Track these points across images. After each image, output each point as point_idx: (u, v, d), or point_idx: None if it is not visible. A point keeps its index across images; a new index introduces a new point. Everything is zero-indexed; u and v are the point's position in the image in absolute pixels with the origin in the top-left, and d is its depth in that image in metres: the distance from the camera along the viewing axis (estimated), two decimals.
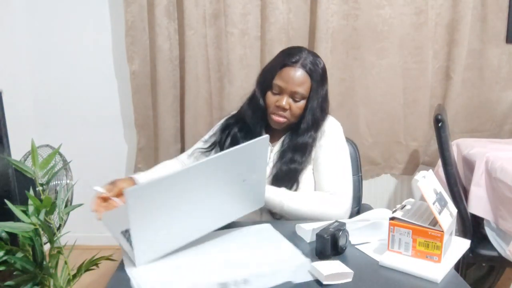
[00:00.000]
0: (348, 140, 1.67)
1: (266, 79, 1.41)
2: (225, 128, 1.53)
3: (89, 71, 2.53)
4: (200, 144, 1.60)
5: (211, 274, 0.99)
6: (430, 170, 1.14)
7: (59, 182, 1.66)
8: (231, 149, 1.07)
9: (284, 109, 1.37)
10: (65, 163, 1.68)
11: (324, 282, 0.96)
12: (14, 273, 1.33)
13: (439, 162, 1.87)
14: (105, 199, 1.25)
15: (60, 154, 1.68)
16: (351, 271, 0.98)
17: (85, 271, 1.44)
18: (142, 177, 1.40)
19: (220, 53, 2.36)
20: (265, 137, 1.13)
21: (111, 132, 2.60)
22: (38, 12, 2.47)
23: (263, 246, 1.15)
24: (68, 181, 1.70)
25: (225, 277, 0.97)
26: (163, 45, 2.32)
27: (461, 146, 2.04)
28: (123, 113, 2.58)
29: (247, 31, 2.33)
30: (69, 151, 1.77)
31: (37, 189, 1.42)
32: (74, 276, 1.44)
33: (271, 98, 1.39)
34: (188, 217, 1.08)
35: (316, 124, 1.40)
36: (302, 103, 1.38)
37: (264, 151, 1.17)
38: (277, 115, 1.39)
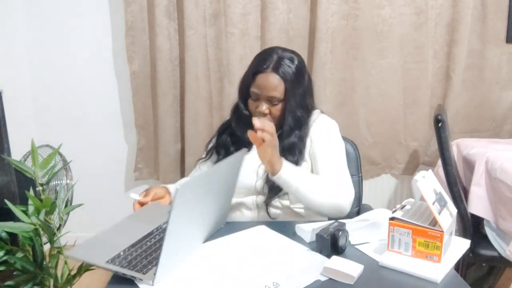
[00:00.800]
0: (348, 140, 1.67)
1: (244, 87, 1.42)
2: (219, 135, 1.54)
3: (89, 71, 2.53)
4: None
5: (239, 285, 0.97)
6: (430, 170, 1.14)
7: (59, 182, 1.66)
8: (229, 158, 1.16)
9: (264, 114, 1.38)
10: (65, 163, 1.68)
11: (322, 273, 0.99)
12: (14, 273, 1.33)
13: (439, 162, 1.87)
14: (142, 204, 1.33)
15: (60, 154, 1.68)
16: (354, 275, 0.98)
17: (85, 271, 1.44)
18: (172, 187, 1.45)
19: (220, 53, 2.36)
20: (242, 151, 1.19)
21: (111, 132, 2.60)
22: (38, 12, 2.47)
23: (274, 247, 1.15)
24: (68, 181, 1.70)
25: (255, 284, 0.96)
26: (163, 45, 2.32)
27: (461, 146, 2.04)
28: (123, 113, 2.58)
29: (247, 31, 2.33)
30: (69, 151, 1.77)
31: (37, 189, 1.42)
32: (74, 276, 1.44)
33: (251, 105, 1.41)
34: (198, 226, 1.11)
35: (299, 123, 1.40)
36: (280, 105, 1.38)
37: (238, 167, 1.21)
38: None
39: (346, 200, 1.33)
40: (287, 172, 1.27)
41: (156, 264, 0.98)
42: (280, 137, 1.40)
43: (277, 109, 1.37)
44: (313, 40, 2.32)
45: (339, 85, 2.39)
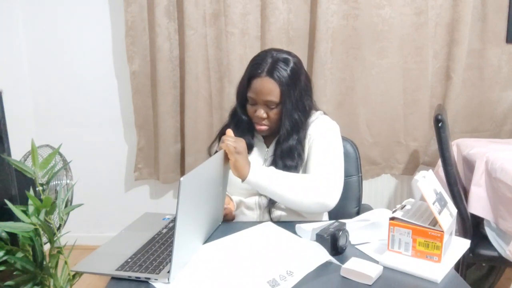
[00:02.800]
0: (348, 140, 1.67)
1: (241, 92, 1.42)
2: (220, 138, 1.54)
3: (89, 71, 2.53)
4: None
5: (253, 276, 0.99)
6: (430, 170, 1.14)
7: (59, 182, 1.66)
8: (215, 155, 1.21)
9: (262, 119, 1.37)
10: (65, 163, 1.67)
11: (340, 273, 1.01)
12: (14, 273, 1.33)
13: (439, 162, 1.87)
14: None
15: (60, 154, 1.68)
16: (372, 276, 0.98)
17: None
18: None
19: (220, 53, 2.36)
20: (219, 152, 1.22)
21: (111, 132, 2.60)
22: (38, 13, 2.47)
23: (283, 241, 1.18)
24: (68, 181, 1.70)
25: (270, 274, 0.99)
26: (163, 45, 2.32)
27: (461, 146, 2.04)
28: (123, 113, 2.58)
29: (247, 31, 2.33)
30: (69, 151, 1.77)
31: (37, 189, 1.42)
32: (74, 276, 1.44)
33: (250, 109, 1.40)
34: (200, 220, 1.14)
35: (297, 126, 1.38)
36: (278, 109, 1.36)
37: (220, 170, 1.23)
38: (259, 124, 1.40)
39: (330, 197, 1.30)
40: (256, 175, 1.26)
41: (170, 262, 1.00)
42: (278, 141, 1.40)
43: (274, 113, 1.36)
44: (313, 40, 2.32)
45: (339, 85, 2.39)
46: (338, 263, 1.03)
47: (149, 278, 1.01)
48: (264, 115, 1.36)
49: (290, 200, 1.29)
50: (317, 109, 1.48)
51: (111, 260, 1.09)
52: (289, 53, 1.40)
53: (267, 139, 1.48)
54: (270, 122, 1.38)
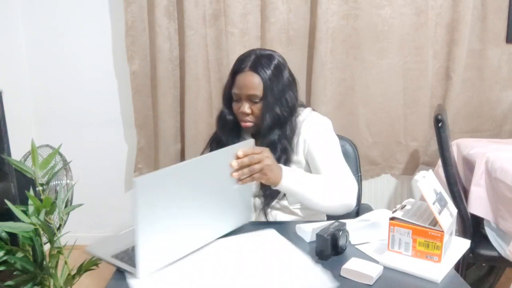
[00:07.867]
0: (347, 139, 1.67)
1: (227, 91, 1.43)
2: (211, 143, 1.54)
3: (89, 71, 2.53)
4: None
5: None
6: (430, 170, 1.14)
7: (59, 182, 1.66)
8: (222, 149, 1.14)
9: (246, 114, 1.37)
10: (65, 163, 1.67)
11: (340, 274, 1.00)
12: (14, 273, 1.33)
13: (439, 162, 1.87)
14: None
15: (60, 154, 1.68)
16: (372, 276, 0.97)
17: (85, 271, 1.44)
18: None
19: (220, 53, 2.36)
20: (250, 141, 1.17)
21: (111, 132, 2.60)
22: (38, 13, 2.47)
23: (282, 258, 1.10)
24: (68, 181, 1.70)
25: None
26: (163, 45, 2.32)
27: (461, 146, 2.04)
28: (123, 113, 2.58)
29: (247, 31, 2.33)
30: (69, 151, 1.77)
31: (37, 189, 1.42)
32: (74, 276, 1.44)
33: (235, 107, 1.40)
34: (189, 222, 1.09)
35: (279, 121, 1.37)
36: (261, 103, 1.36)
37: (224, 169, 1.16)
38: (243, 121, 1.40)
39: (353, 197, 1.32)
40: (288, 181, 1.23)
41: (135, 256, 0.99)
42: (260, 135, 1.39)
43: (258, 107, 1.36)
44: (313, 40, 2.32)
45: (339, 85, 2.39)
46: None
47: (126, 270, 1.01)
48: (248, 111, 1.37)
49: (319, 204, 1.29)
50: (305, 106, 1.48)
51: (117, 246, 1.10)
52: (273, 51, 1.43)
53: (255, 137, 1.46)
54: (255, 117, 1.38)
